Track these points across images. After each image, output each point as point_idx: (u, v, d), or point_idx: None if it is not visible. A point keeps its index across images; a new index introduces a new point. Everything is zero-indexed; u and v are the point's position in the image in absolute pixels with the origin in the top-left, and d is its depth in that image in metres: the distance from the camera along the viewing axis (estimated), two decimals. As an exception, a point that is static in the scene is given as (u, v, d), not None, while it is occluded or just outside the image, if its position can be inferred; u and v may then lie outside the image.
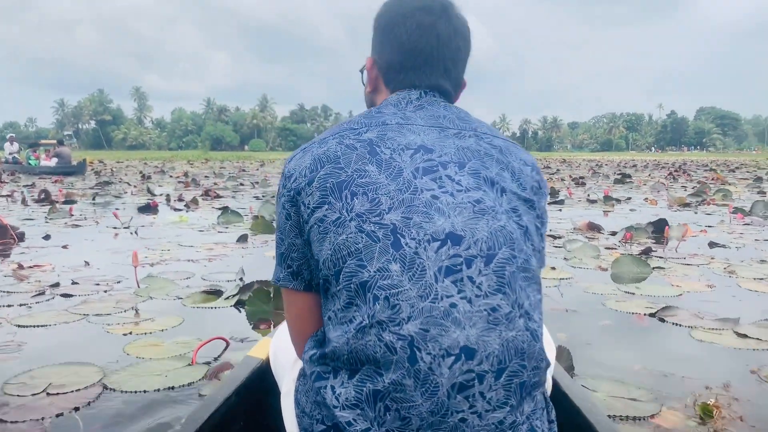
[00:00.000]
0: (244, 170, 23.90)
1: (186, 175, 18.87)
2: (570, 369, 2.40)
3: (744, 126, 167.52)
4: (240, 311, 3.33)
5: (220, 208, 8.19)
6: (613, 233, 6.34)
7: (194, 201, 9.41)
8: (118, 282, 3.97)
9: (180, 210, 8.63)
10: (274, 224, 1.46)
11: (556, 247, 5.45)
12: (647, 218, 7.61)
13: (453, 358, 0.92)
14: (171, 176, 18.92)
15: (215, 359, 2.55)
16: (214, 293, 3.59)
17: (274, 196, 10.09)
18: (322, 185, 1.00)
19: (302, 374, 1.10)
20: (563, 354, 2.43)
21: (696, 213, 8.63)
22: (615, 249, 5.40)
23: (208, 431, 1.33)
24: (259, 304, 3.27)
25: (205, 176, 19.10)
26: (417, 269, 0.94)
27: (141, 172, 20.12)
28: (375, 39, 1.20)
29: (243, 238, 5.74)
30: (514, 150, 1.12)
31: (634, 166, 31.06)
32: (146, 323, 3.08)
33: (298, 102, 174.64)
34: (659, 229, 6.35)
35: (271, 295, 3.29)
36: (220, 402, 1.41)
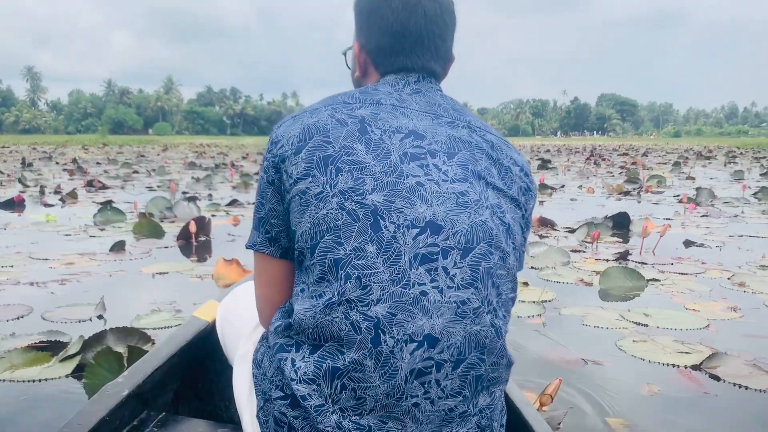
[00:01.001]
0: (143, 156, 21.89)
1: (74, 161, 16.83)
2: None
3: (641, 112, 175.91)
4: (79, 384, 2.11)
5: (102, 203, 6.75)
6: (570, 230, 5.44)
7: (72, 194, 7.86)
8: None
9: (52, 206, 7.12)
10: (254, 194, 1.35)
11: (514, 250, 4.48)
12: (594, 209, 6.84)
13: (416, 344, 0.93)
14: (58, 163, 16.79)
15: None
16: (48, 348, 2.34)
17: (170, 186, 8.71)
18: (309, 157, 0.97)
19: (264, 338, 1.10)
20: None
21: (639, 202, 7.97)
22: (583, 252, 4.49)
23: (148, 387, 1.34)
24: (104, 375, 2.02)
25: (97, 163, 17.13)
26: (393, 253, 0.93)
27: (23, 159, 17.81)
28: (359, 23, 1.15)
29: (119, 246, 4.42)
30: (506, 148, 1.09)
31: (548, 150, 31.04)
32: None
33: (205, 84, 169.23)
34: (620, 224, 5.54)
35: (125, 361, 2.08)
36: (163, 359, 1.41)
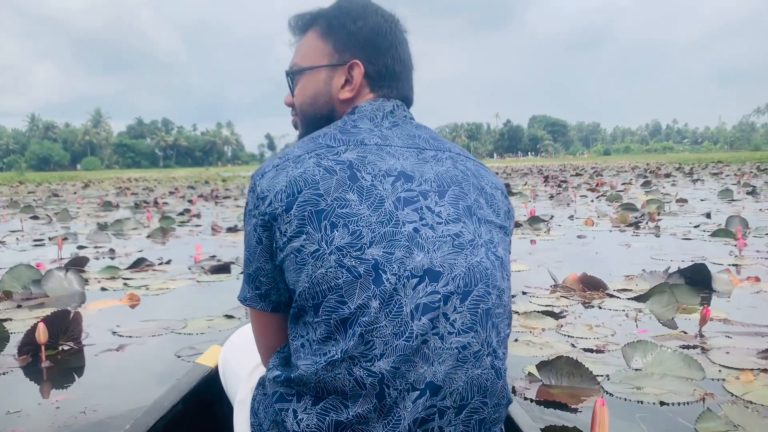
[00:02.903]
0: (56, 195, 19.33)
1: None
2: None
3: (570, 132, 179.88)
4: None
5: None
6: (634, 296, 3.75)
7: None
8: None
9: None
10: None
11: (595, 361, 2.73)
12: (622, 253, 5.19)
13: (418, 393, 0.92)
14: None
15: None
16: None
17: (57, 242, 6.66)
18: (301, 213, 0.94)
19: (261, 384, 1.08)
20: None
21: (658, 236, 6.42)
22: (703, 348, 2.79)
23: None
24: None
25: (-4, 206, 14.68)
26: (394, 306, 0.92)
27: None
28: (356, 40, 1.10)
29: None
30: (485, 173, 1.10)
31: (496, 173, 29.80)
32: None
33: (135, 116, 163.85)
34: (697, 280, 3.88)
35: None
36: (167, 408, 1.40)
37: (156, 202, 14.13)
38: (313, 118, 1.14)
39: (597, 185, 16.14)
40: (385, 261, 0.92)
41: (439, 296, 0.93)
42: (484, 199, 1.04)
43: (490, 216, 1.04)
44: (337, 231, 0.92)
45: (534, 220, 7.53)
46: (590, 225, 7.53)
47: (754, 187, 13.30)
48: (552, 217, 8.47)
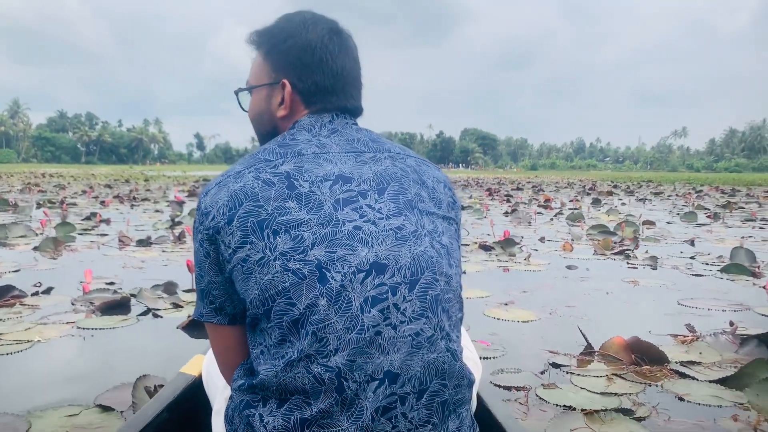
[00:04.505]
0: (-51, 189, 17.09)
1: None
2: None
3: (500, 146, 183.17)
4: None
5: None
6: (704, 372, 2.66)
7: None
8: None
9: None
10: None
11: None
12: (630, 292, 4.12)
13: (377, 382, 0.95)
14: None
15: None
16: None
17: None
18: (243, 224, 0.98)
19: (232, 394, 1.09)
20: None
21: (656, 269, 5.46)
22: None
23: None
24: None
25: None
26: (343, 302, 0.95)
27: None
28: (287, 61, 1.13)
29: None
30: (426, 168, 1.13)
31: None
32: None
33: (57, 108, 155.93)
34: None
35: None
36: (151, 417, 1.40)
37: (62, 203, 12.36)
38: (263, 134, 1.21)
39: (546, 201, 15.37)
40: (328, 260, 0.95)
41: (387, 287, 0.97)
42: (425, 193, 1.07)
43: (431, 208, 1.07)
44: (280, 237, 0.96)
45: (508, 243, 6.44)
46: (569, 250, 6.50)
47: (717, 212, 12.74)
48: (522, 238, 7.42)
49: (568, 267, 5.44)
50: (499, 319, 3.53)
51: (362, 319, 0.94)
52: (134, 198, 14.56)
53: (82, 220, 8.87)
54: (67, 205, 11.78)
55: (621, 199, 17.62)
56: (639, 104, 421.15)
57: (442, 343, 1.00)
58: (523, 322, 3.47)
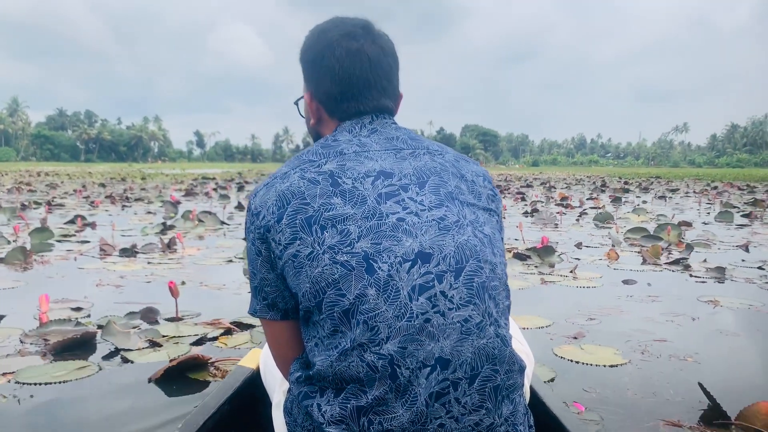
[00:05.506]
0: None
1: None
2: None
3: (501, 143, 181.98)
4: None
5: None
6: None
7: None
8: None
9: None
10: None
11: None
12: (712, 317, 3.29)
13: (429, 369, 0.97)
14: None
15: None
16: None
17: None
18: (291, 222, 1.02)
19: (290, 387, 1.13)
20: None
21: (723, 282, 4.63)
22: None
23: None
24: None
25: None
26: (392, 291, 0.97)
27: None
28: (307, 73, 1.20)
29: None
30: (465, 163, 1.16)
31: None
32: None
33: (56, 106, 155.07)
34: None
35: None
36: (214, 409, 1.46)
37: (50, 203, 11.53)
38: (314, 139, 1.26)
39: (563, 199, 14.53)
40: (374, 251, 0.99)
41: (432, 276, 0.99)
42: (465, 186, 1.10)
43: (471, 200, 1.09)
44: (327, 232, 1.00)
45: (546, 251, 5.60)
46: (615, 259, 5.68)
47: (749, 210, 11.90)
48: (557, 244, 6.59)
49: (625, 282, 4.60)
50: (576, 362, 2.69)
51: (411, 306, 0.97)
52: (127, 198, 13.72)
53: (65, 223, 8.04)
54: (50, 206, 10.93)
55: (639, 197, 16.80)
56: (639, 100, 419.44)
57: (491, 329, 1.02)
58: (610, 366, 2.64)
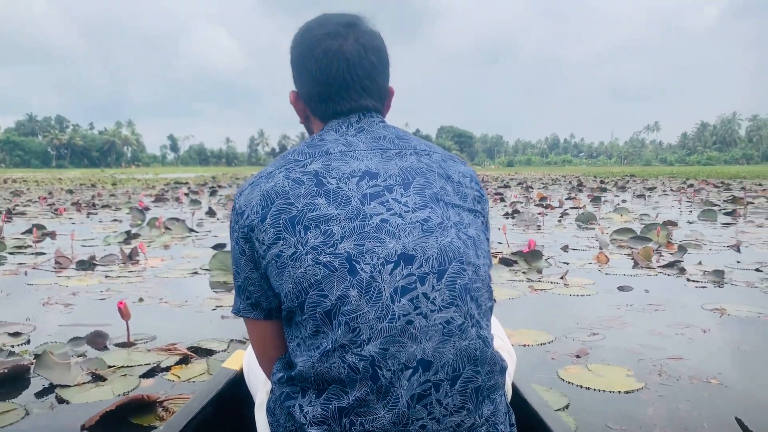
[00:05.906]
0: None
1: None
2: None
3: (476, 144, 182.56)
4: None
5: None
6: None
7: None
8: None
9: None
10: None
11: None
12: (721, 328, 2.98)
13: (411, 371, 0.97)
14: None
15: None
16: None
17: None
18: (275, 222, 1.01)
19: (273, 387, 1.13)
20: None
21: (722, 286, 4.35)
22: None
23: None
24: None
25: None
26: (374, 292, 0.97)
27: None
28: (293, 72, 1.19)
29: None
30: (452, 163, 1.14)
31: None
32: None
33: (26, 112, 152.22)
34: None
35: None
36: (197, 411, 1.44)
37: (10, 212, 10.97)
38: (309, 132, 1.24)
39: (541, 199, 14.30)
40: (357, 253, 0.98)
41: (415, 278, 0.99)
42: (451, 187, 1.09)
43: (456, 201, 1.08)
44: (310, 232, 0.99)
45: (533, 256, 5.28)
46: (605, 262, 5.38)
47: (732, 208, 11.73)
48: (543, 247, 6.28)
49: (621, 288, 4.29)
50: (586, 387, 2.35)
51: (393, 308, 0.97)
52: (94, 205, 13.17)
53: (23, 233, 7.55)
54: (9, 215, 10.37)
55: (617, 196, 16.64)
56: (612, 99, 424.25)
57: (473, 330, 1.01)
58: (626, 393, 2.31)
